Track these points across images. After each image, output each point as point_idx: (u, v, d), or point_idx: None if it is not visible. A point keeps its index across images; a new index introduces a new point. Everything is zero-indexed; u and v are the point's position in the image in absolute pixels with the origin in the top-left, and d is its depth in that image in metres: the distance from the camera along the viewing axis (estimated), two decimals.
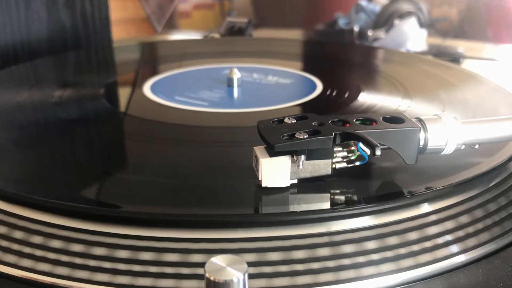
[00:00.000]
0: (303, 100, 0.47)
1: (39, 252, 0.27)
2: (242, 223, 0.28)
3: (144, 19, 1.04)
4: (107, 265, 0.26)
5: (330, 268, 0.26)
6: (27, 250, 0.28)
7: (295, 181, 0.30)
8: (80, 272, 0.26)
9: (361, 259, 0.27)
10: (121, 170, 0.34)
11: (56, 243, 0.28)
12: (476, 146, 0.32)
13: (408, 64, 0.61)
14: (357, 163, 0.30)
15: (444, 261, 0.27)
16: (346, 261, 0.27)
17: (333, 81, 0.52)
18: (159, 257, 0.27)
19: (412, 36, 0.80)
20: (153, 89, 0.50)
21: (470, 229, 0.29)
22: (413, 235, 0.28)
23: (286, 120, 0.31)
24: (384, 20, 0.87)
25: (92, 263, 0.27)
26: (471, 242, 0.29)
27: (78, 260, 0.27)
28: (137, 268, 0.26)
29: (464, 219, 0.30)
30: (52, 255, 0.27)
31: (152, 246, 0.27)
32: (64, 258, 0.27)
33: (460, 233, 0.29)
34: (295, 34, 0.95)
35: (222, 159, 0.36)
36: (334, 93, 0.49)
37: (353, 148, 0.30)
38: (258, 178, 0.30)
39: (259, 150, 0.30)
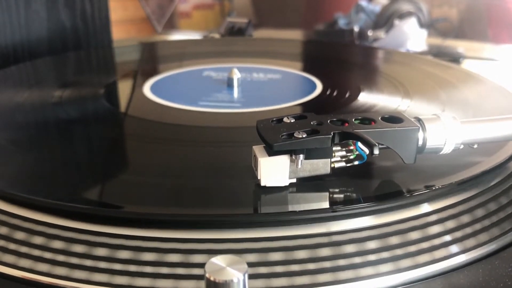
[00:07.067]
0: (303, 100, 0.47)
1: (37, 252, 0.28)
2: (241, 223, 0.28)
3: (144, 19, 1.04)
4: (104, 265, 0.26)
5: (329, 269, 0.26)
6: (25, 249, 0.28)
7: (294, 180, 0.30)
8: (78, 273, 0.26)
9: (360, 259, 0.27)
10: (120, 170, 0.34)
11: (58, 244, 0.28)
12: (475, 146, 0.32)
13: (408, 64, 0.61)
14: (356, 163, 0.30)
15: (444, 261, 0.27)
16: (346, 261, 0.27)
17: (333, 81, 0.52)
18: (160, 258, 0.27)
19: (412, 36, 0.80)
20: (153, 89, 0.50)
21: (470, 229, 0.29)
22: (413, 235, 0.28)
23: (285, 119, 0.31)
24: (384, 20, 0.87)
25: (89, 263, 0.27)
26: (471, 242, 0.29)
27: (74, 260, 0.27)
28: (134, 268, 0.26)
29: (464, 219, 0.30)
30: (49, 255, 0.27)
31: (149, 246, 0.27)
32: (61, 258, 0.27)
33: (460, 233, 0.29)
34: (295, 34, 0.95)
35: (222, 158, 0.36)
36: (334, 93, 0.49)
37: (351, 147, 0.30)
38: (257, 177, 0.30)
39: (258, 150, 0.30)
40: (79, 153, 0.38)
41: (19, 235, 0.28)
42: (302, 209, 0.29)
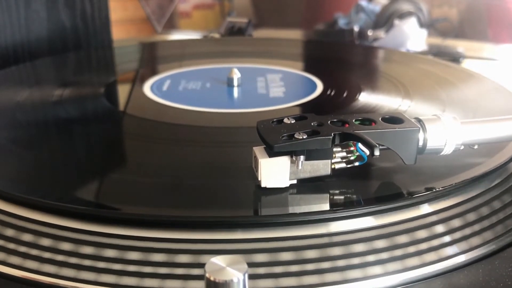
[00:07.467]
0: (303, 100, 0.47)
1: (35, 252, 0.28)
2: (241, 224, 0.28)
3: (144, 19, 1.04)
4: (101, 265, 0.26)
5: (329, 269, 0.26)
6: (21, 249, 0.28)
7: (295, 181, 0.30)
8: (85, 274, 0.26)
9: (360, 259, 0.27)
10: (120, 170, 0.34)
11: (46, 242, 0.28)
12: (476, 147, 0.32)
13: (408, 64, 0.61)
14: (356, 164, 0.30)
15: (444, 262, 0.27)
16: (346, 262, 0.27)
17: (333, 81, 0.52)
18: (163, 258, 0.27)
19: (412, 36, 0.80)
20: (153, 89, 0.50)
21: (471, 230, 0.29)
22: (413, 236, 0.28)
23: (285, 120, 0.31)
24: (384, 20, 0.87)
25: (87, 262, 0.27)
26: (471, 242, 0.29)
27: (82, 261, 0.27)
28: (142, 269, 0.26)
29: (464, 219, 0.30)
30: (54, 256, 0.27)
31: (149, 246, 0.27)
32: (69, 259, 0.27)
33: (461, 233, 0.29)
34: (295, 34, 0.95)
35: (222, 159, 0.36)
36: (334, 93, 0.49)
37: (352, 148, 0.30)
38: (257, 178, 0.30)
39: (258, 150, 0.30)
40: (78, 152, 0.38)
41: (26, 237, 0.28)
42: (302, 210, 0.29)
